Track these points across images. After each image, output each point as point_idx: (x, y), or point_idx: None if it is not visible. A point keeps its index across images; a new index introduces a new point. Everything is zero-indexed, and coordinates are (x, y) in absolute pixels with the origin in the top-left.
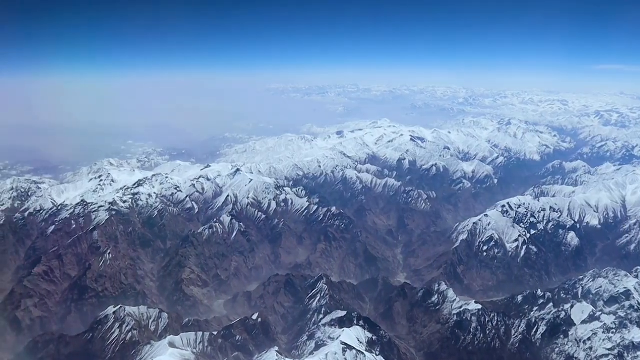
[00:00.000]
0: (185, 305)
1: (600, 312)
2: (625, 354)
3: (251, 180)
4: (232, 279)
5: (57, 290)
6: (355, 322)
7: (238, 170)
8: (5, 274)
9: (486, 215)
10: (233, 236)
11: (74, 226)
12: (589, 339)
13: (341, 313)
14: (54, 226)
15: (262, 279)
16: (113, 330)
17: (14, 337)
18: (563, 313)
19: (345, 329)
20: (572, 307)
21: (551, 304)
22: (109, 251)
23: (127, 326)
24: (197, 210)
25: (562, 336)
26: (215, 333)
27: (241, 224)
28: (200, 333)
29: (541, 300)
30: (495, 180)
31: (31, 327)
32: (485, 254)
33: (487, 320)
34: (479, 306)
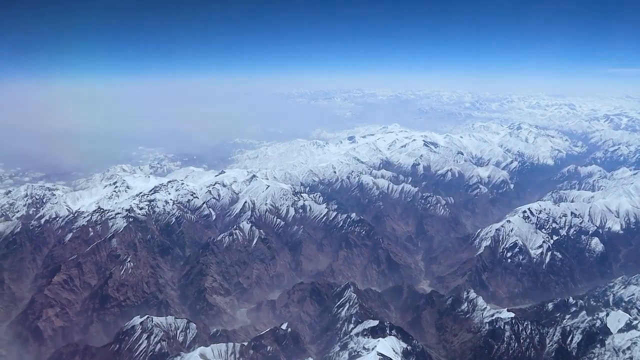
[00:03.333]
0: (209, 314)
1: (637, 321)
2: None
3: (268, 186)
4: (254, 287)
5: (77, 299)
6: (387, 331)
7: (254, 176)
8: (23, 282)
9: (508, 221)
10: (253, 243)
11: (92, 234)
12: (628, 348)
13: (373, 322)
14: (71, 234)
15: (283, 287)
16: (141, 342)
17: (36, 348)
18: (599, 321)
19: (380, 339)
20: (607, 315)
21: (584, 312)
22: (129, 259)
23: (155, 337)
24: (214, 217)
25: (598, 345)
26: (245, 344)
27: (261, 230)
28: (230, 344)
29: (573, 308)
30: (512, 186)
31: (53, 337)
32: (509, 260)
33: (520, 328)
34: (512, 314)
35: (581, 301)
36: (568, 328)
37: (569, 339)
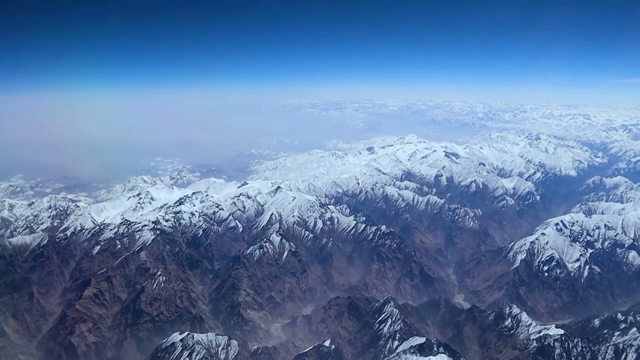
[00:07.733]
0: (244, 329)
1: None
2: None
3: (294, 198)
4: (287, 302)
5: (108, 314)
6: (435, 349)
7: (279, 187)
8: (51, 296)
9: (543, 234)
10: (284, 256)
11: (119, 246)
12: None
13: (420, 339)
14: (98, 246)
15: (316, 301)
16: None
17: None
18: None
19: (431, 357)
20: None
21: (635, 329)
22: (159, 273)
23: (197, 355)
24: (240, 229)
25: None
26: None
27: (291, 243)
28: None
29: (623, 325)
30: (538, 197)
31: (87, 353)
32: (546, 274)
33: (571, 346)
34: (561, 331)
35: (631, 317)
36: (621, 346)
37: (622, 357)
